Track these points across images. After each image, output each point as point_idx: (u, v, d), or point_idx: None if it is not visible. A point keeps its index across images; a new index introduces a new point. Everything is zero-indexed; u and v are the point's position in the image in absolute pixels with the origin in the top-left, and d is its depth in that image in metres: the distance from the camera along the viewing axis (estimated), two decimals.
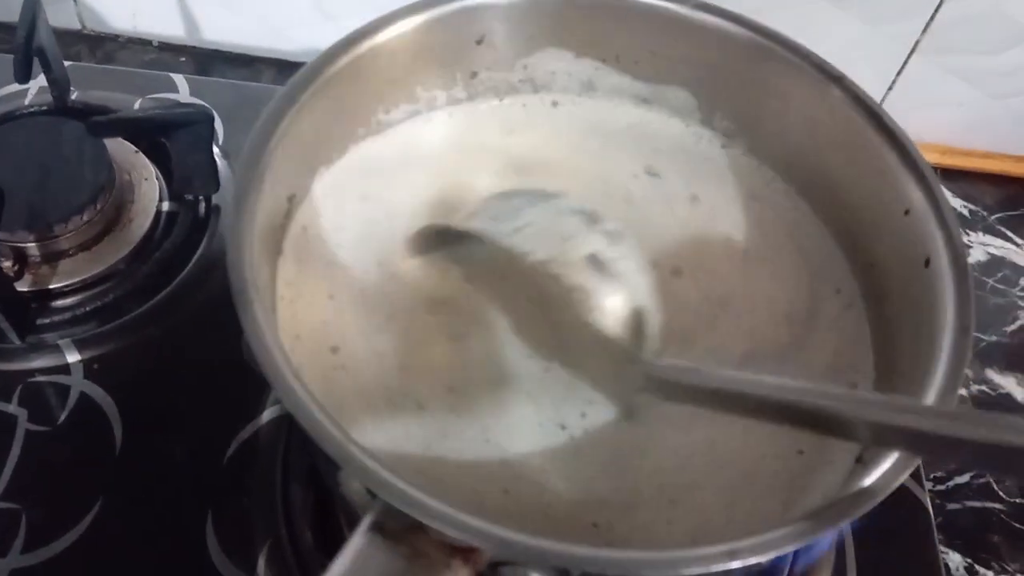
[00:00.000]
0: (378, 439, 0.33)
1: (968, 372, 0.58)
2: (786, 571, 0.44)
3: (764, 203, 0.41)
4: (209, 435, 0.47)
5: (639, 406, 0.35)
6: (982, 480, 0.53)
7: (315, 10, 0.67)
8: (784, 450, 0.34)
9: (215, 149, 0.57)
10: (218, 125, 0.59)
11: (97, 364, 0.49)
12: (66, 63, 0.58)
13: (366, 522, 0.27)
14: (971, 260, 0.64)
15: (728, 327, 0.38)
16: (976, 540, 0.51)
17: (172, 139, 0.53)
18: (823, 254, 0.40)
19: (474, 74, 0.42)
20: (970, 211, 0.68)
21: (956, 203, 0.68)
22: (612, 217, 0.36)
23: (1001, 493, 0.53)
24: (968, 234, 0.66)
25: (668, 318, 0.36)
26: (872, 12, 0.62)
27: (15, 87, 0.58)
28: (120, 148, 0.56)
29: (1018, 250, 0.65)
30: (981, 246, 0.65)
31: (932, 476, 0.53)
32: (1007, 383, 0.58)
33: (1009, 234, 0.67)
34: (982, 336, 0.60)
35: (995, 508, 0.52)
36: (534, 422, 0.35)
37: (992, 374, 0.58)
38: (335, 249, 0.38)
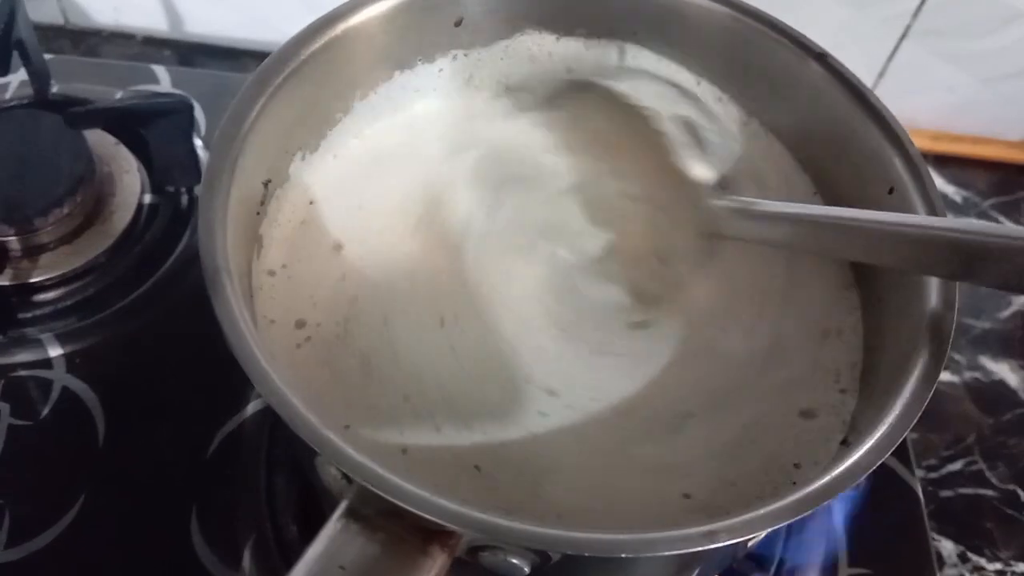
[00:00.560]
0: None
1: (961, 359, 0.58)
2: (776, 558, 0.44)
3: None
4: (193, 428, 0.47)
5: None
6: (974, 467, 0.53)
7: (299, 1, 0.66)
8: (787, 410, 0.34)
9: (197, 140, 0.56)
10: (200, 116, 0.58)
11: (79, 358, 0.49)
12: (47, 56, 0.57)
13: (341, 507, 0.26)
14: None
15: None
16: (969, 527, 0.51)
17: (151, 130, 0.53)
18: None
19: (454, 57, 0.42)
20: (963, 197, 0.67)
21: (949, 189, 0.67)
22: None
23: (993, 480, 0.53)
24: None
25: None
26: None
27: None
28: (101, 141, 0.56)
29: None
30: None
31: (924, 464, 0.53)
32: (1000, 369, 0.58)
33: (1002, 220, 0.66)
34: (975, 322, 0.60)
35: (987, 495, 0.52)
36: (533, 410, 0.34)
37: (985, 360, 0.58)
38: (315, 231, 0.38)
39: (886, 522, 0.47)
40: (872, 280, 0.36)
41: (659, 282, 0.39)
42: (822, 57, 0.37)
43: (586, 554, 0.25)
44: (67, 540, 0.43)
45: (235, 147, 0.32)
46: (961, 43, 0.63)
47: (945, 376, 0.55)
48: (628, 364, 0.36)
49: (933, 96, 0.67)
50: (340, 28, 0.36)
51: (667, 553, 0.25)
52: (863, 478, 0.27)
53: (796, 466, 0.33)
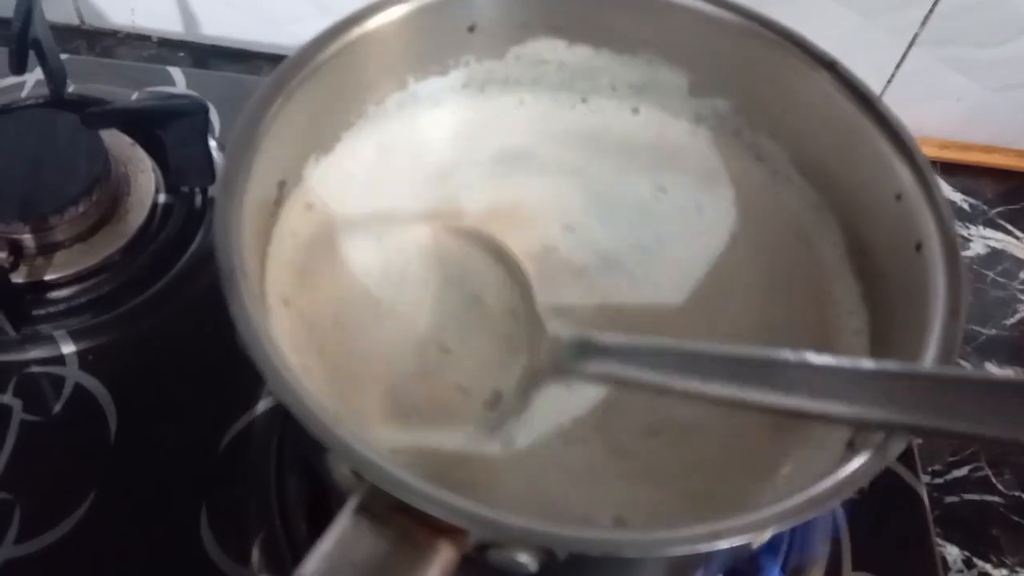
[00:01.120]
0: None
1: (967, 365, 0.58)
2: (780, 562, 0.44)
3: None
4: (204, 426, 0.47)
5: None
6: (980, 473, 0.53)
7: (312, 5, 0.67)
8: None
9: (211, 142, 0.56)
10: (215, 118, 0.59)
11: (92, 355, 0.49)
12: (63, 56, 0.58)
13: (351, 504, 0.26)
14: (971, 254, 0.64)
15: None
16: (974, 533, 0.51)
17: (167, 130, 0.53)
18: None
19: (467, 63, 0.42)
20: (970, 205, 0.67)
21: (956, 197, 0.68)
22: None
23: (999, 486, 0.53)
24: (968, 228, 0.66)
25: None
26: (870, 4, 0.62)
27: (12, 80, 0.58)
28: (117, 141, 0.56)
29: (1018, 243, 0.65)
30: (981, 239, 0.65)
31: (930, 469, 0.53)
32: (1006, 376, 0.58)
33: (1009, 227, 0.66)
34: (982, 329, 0.60)
35: (993, 501, 0.52)
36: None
37: (992, 367, 0.58)
38: (330, 234, 0.38)
39: (891, 527, 0.47)
40: (879, 288, 0.37)
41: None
42: (832, 66, 0.38)
43: (593, 553, 0.25)
44: (78, 536, 0.43)
45: (251, 148, 0.33)
46: (970, 52, 0.63)
47: None
48: None
49: (941, 105, 0.67)
50: (355, 33, 0.37)
51: (671, 552, 0.25)
52: (868, 482, 0.27)
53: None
